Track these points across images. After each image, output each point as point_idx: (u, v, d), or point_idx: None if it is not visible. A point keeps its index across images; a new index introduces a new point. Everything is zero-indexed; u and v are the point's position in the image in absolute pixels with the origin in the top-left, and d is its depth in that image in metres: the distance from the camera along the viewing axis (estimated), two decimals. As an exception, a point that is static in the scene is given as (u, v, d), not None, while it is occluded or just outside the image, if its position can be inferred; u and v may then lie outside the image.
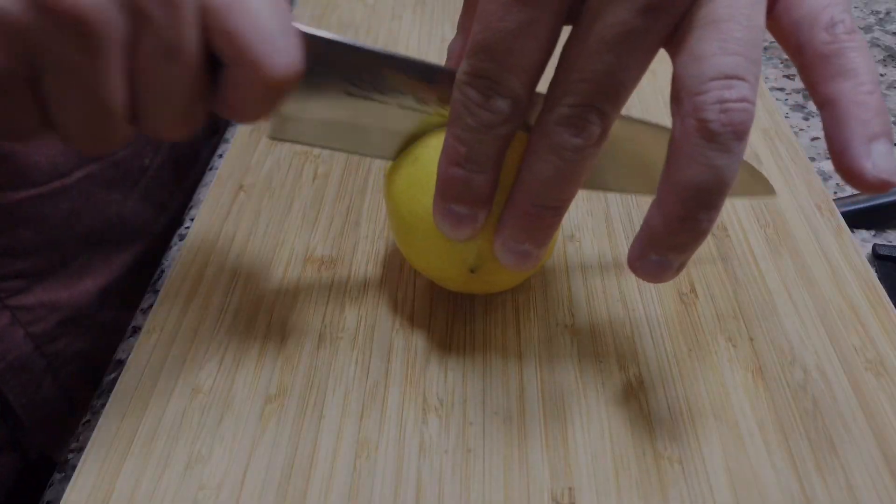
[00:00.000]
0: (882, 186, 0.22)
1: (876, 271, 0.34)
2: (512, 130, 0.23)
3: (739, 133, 0.20)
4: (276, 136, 0.29)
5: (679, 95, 0.21)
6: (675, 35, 0.22)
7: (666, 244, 0.22)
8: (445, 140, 0.24)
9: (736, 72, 0.20)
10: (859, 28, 0.56)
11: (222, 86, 0.23)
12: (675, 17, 0.21)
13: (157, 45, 0.21)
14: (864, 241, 0.38)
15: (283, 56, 0.22)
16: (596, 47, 0.21)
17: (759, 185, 0.32)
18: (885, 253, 0.36)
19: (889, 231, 0.38)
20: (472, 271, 0.28)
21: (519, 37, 0.21)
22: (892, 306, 0.32)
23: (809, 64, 0.23)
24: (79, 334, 0.39)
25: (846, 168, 0.22)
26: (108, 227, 0.40)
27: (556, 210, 0.24)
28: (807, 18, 0.23)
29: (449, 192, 0.24)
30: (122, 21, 0.20)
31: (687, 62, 0.21)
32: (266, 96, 0.23)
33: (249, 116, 0.24)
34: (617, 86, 0.21)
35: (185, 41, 0.21)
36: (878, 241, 0.38)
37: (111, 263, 0.40)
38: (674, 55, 0.22)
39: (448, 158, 0.24)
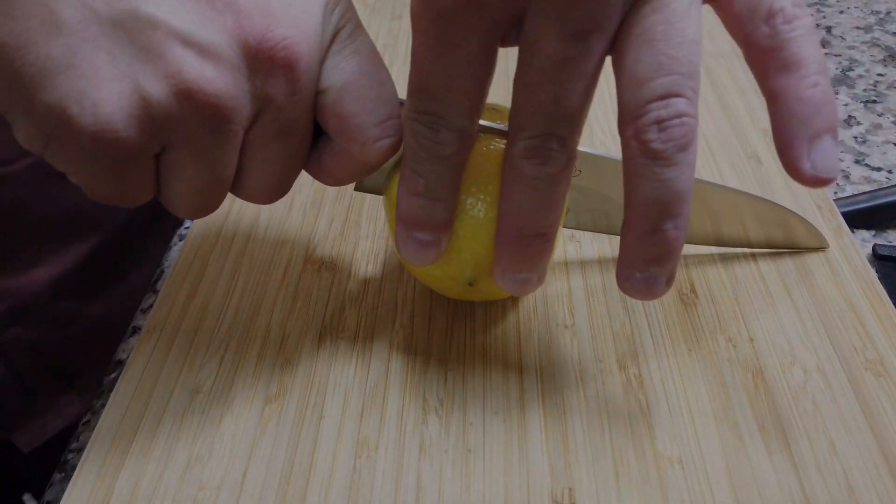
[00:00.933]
0: (820, 184, 0.22)
1: (876, 271, 0.34)
2: (465, 156, 0.24)
3: (681, 145, 0.21)
4: (360, 188, 0.31)
5: (623, 119, 0.22)
6: (614, 51, 0.22)
7: (643, 259, 0.23)
8: (402, 172, 0.25)
9: (672, 90, 0.21)
10: (859, 27, 0.56)
11: (322, 152, 0.25)
12: (608, 36, 0.22)
13: (274, 125, 0.23)
14: (864, 241, 0.38)
15: (389, 138, 0.24)
16: (537, 79, 0.21)
17: (813, 239, 0.34)
18: (886, 253, 0.36)
19: (889, 231, 0.39)
20: (469, 284, 0.28)
21: (452, 77, 0.22)
22: (892, 306, 0.32)
23: (754, 57, 0.23)
24: (31, 324, 0.39)
25: (787, 166, 0.23)
26: (61, 217, 0.39)
27: (543, 237, 0.24)
28: (747, 9, 0.23)
29: (412, 220, 0.25)
30: (249, 106, 0.22)
31: (626, 86, 0.22)
32: (365, 168, 0.25)
33: (343, 182, 0.26)
34: (568, 111, 0.22)
35: (300, 121, 0.23)
36: (879, 241, 0.38)
37: (66, 254, 0.40)
38: (615, 74, 0.23)
39: (408, 189, 0.24)
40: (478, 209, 0.26)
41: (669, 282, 0.24)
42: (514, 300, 0.33)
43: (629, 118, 0.22)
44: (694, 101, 0.21)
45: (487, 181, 0.26)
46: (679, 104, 0.21)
